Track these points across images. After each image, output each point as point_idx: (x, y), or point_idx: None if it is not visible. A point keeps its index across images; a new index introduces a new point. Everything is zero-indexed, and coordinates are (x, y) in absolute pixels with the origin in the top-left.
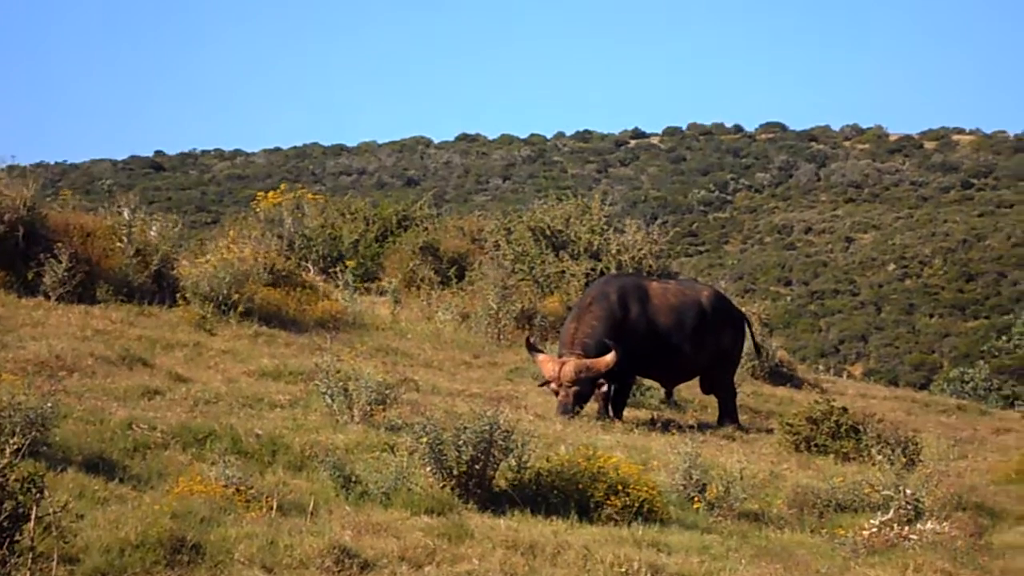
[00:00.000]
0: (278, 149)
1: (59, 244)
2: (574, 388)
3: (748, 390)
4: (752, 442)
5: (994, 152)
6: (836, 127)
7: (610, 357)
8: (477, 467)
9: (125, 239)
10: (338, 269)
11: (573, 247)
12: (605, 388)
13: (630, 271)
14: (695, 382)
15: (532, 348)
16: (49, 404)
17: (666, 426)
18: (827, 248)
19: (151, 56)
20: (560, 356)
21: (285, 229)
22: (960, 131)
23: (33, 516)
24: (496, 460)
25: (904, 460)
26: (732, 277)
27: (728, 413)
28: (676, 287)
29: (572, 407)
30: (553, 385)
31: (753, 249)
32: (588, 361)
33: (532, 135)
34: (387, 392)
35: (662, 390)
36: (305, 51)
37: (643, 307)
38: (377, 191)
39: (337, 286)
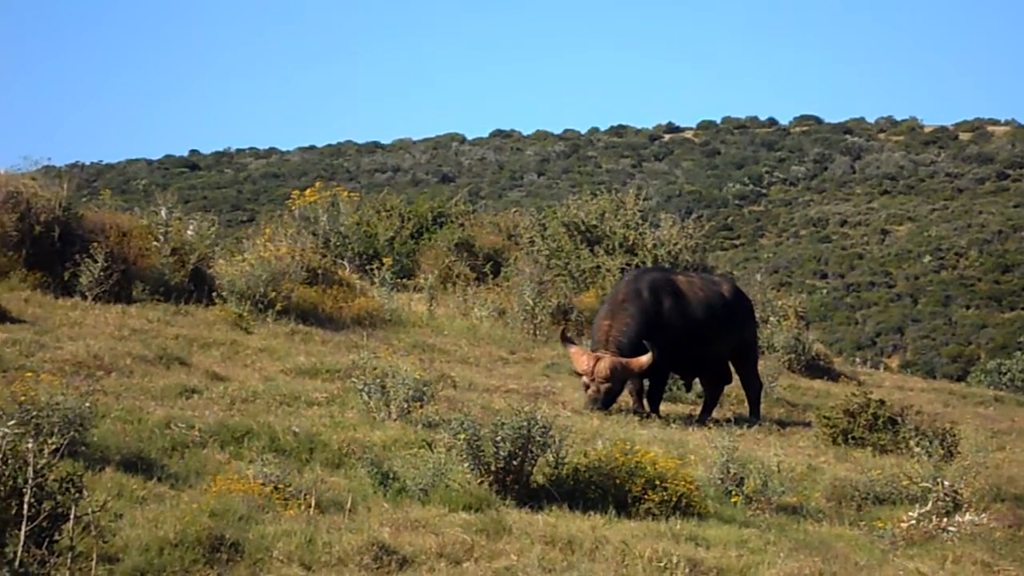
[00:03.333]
0: (313, 147)
1: (95, 244)
2: (607, 385)
3: (785, 383)
4: (789, 435)
5: None
6: (871, 119)
7: (646, 358)
8: (515, 463)
9: (161, 238)
10: (374, 266)
11: (608, 242)
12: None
13: (666, 266)
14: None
15: (566, 339)
16: (87, 404)
17: (702, 420)
18: (863, 240)
19: (185, 55)
20: (594, 352)
21: (321, 227)
22: (995, 122)
23: (72, 516)
24: (534, 456)
25: (942, 452)
26: (768, 270)
27: (753, 406)
28: (700, 280)
29: (601, 403)
30: (585, 379)
31: (788, 242)
32: (624, 360)
33: (566, 131)
34: (424, 388)
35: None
36: (339, 49)
37: (675, 302)
38: (412, 188)
39: (373, 283)
